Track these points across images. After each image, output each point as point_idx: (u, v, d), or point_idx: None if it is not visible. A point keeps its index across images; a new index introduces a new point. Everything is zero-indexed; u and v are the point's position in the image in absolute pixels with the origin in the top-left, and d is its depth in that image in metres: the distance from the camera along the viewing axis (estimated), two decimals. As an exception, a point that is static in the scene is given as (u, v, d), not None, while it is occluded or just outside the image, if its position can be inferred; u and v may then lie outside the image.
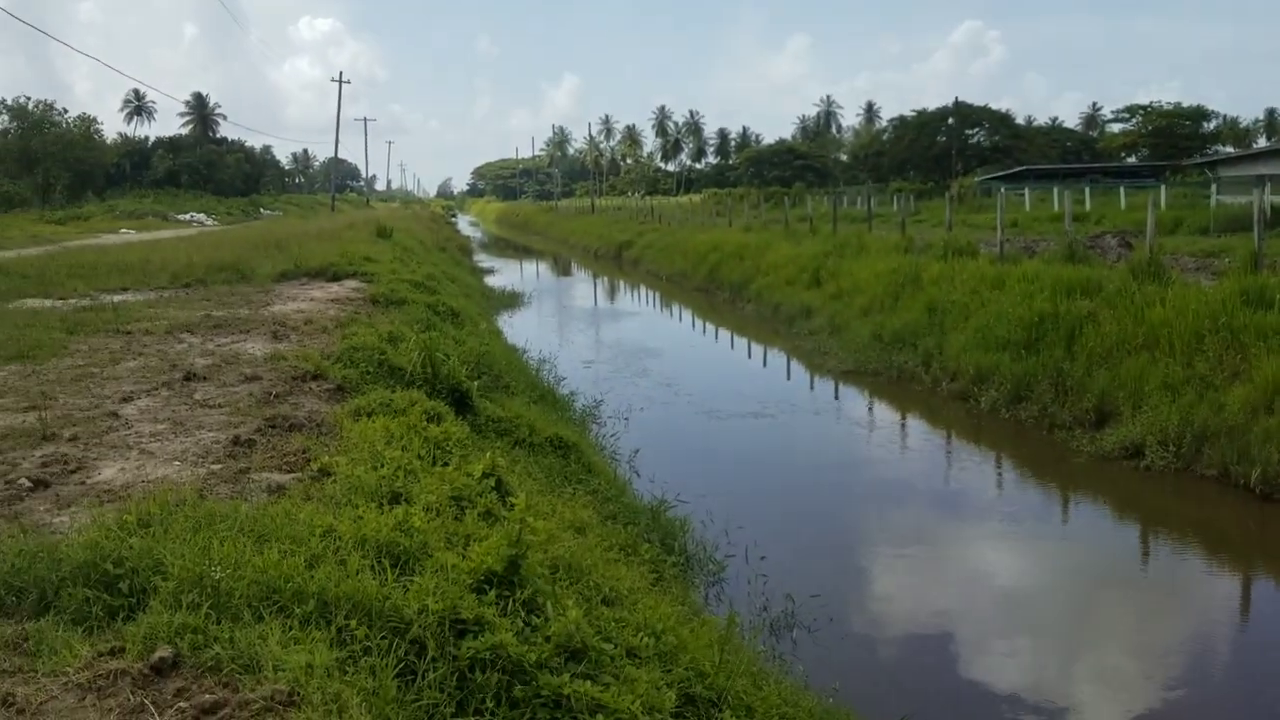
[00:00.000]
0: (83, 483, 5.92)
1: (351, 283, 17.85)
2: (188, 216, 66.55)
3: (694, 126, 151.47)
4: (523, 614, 4.53)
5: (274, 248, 22.42)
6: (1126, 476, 12.00)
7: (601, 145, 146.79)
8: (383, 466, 6.16)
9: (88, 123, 75.49)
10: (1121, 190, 48.08)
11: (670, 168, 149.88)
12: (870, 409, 17.02)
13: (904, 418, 16.18)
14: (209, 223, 62.80)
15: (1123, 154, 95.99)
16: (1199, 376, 12.40)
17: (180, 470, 6.16)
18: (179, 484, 5.64)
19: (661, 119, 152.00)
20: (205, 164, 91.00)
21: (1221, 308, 13.10)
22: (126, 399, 8.08)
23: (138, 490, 5.62)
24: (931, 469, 13.61)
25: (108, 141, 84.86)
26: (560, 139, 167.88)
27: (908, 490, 12.64)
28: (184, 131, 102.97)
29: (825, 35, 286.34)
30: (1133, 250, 20.83)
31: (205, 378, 8.95)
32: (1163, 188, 44.78)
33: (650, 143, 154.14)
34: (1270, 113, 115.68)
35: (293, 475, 6.14)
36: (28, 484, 5.80)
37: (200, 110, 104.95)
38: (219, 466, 6.29)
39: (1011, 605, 9.17)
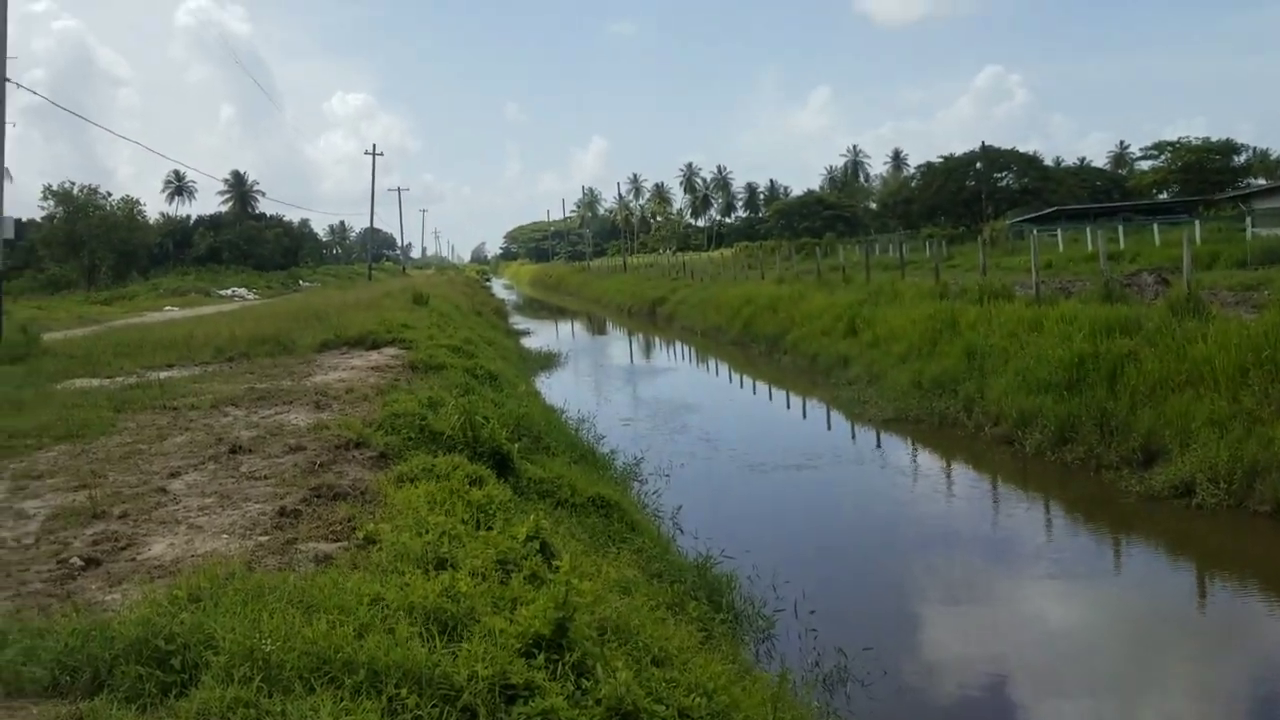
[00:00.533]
0: (133, 559, 5.99)
1: (390, 350, 18.01)
2: (229, 291, 67.68)
3: (722, 182, 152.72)
4: (572, 677, 4.51)
5: (314, 319, 22.71)
6: (1178, 516, 11.79)
7: (631, 204, 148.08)
8: (427, 532, 6.17)
9: (131, 205, 77.21)
10: (1155, 227, 47.79)
11: (700, 223, 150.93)
12: (913, 457, 16.87)
13: (948, 464, 16.01)
14: (250, 297, 63.83)
15: (1154, 191, 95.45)
16: (1246, 411, 12.20)
17: (228, 543, 6.21)
18: (227, 557, 5.69)
19: (689, 176, 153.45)
20: (245, 240, 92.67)
21: (1265, 341, 12.91)
22: (174, 474, 8.18)
23: (187, 565, 5.67)
24: (979, 516, 13.42)
25: (150, 222, 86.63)
26: (590, 200, 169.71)
27: (956, 538, 12.47)
28: (224, 209, 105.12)
29: (846, 87, 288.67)
30: (1170, 287, 20.62)
31: (250, 450, 9.05)
32: (1197, 223, 44.46)
33: (679, 199, 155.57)
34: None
35: (339, 544, 6.18)
36: (79, 563, 5.88)
37: (239, 188, 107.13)
38: (266, 538, 6.34)
39: (1068, 654, 8.98)
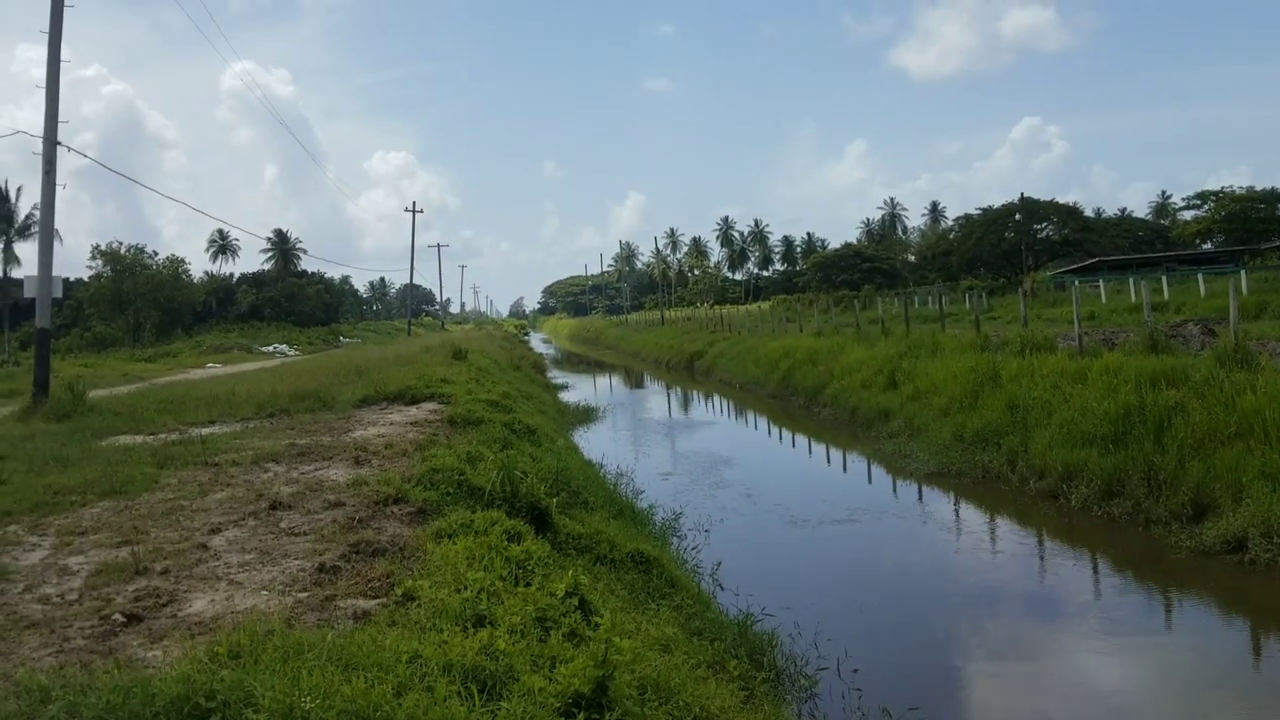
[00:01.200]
0: (174, 615, 6.00)
1: (429, 405, 18.10)
2: (270, 348, 68.57)
3: (759, 235, 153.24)
4: (613, 737, 4.44)
5: (353, 374, 22.91)
6: (1230, 572, 11.50)
7: (668, 258, 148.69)
8: (466, 589, 6.15)
9: (176, 264, 78.89)
10: (1200, 277, 47.22)
11: (737, 277, 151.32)
12: (957, 511, 16.63)
13: (993, 519, 15.76)
14: (291, 353, 64.58)
15: (1197, 241, 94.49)
16: (1299, 464, 11.94)
17: (268, 600, 6.21)
18: (267, 614, 5.69)
19: (726, 229, 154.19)
20: (286, 296, 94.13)
21: (1317, 392, 12.67)
22: (215, 530, 8.22)
23: (227, 621, 5.68)
24: (1025, 572, 13.16)
25: (194, 280, 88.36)
26: (628, 254, 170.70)
27: (1001, 595, 12.23)
28: (266, 266, 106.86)
29: (883, 140, 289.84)
30: (1216, 337, 20.32)
31: (290, 506, 9.08)
32: (1243, 273, 43.89)
33: (716, 253, 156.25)
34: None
35: (378, 601, 6.16)
36: (121, 619, 5.90)
37: (281, 246, 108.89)
38: (305, 595, 6.33)
39: (1119, 715, 8.73)
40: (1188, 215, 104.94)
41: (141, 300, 72.14)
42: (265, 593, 6.40)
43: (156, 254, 77.00)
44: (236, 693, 4.22)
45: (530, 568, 7.30)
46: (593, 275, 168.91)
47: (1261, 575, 11.20)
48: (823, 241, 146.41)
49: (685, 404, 41.58)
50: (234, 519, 8.64)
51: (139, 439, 14.37)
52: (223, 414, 17.23)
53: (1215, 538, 12.04)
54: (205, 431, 14.85)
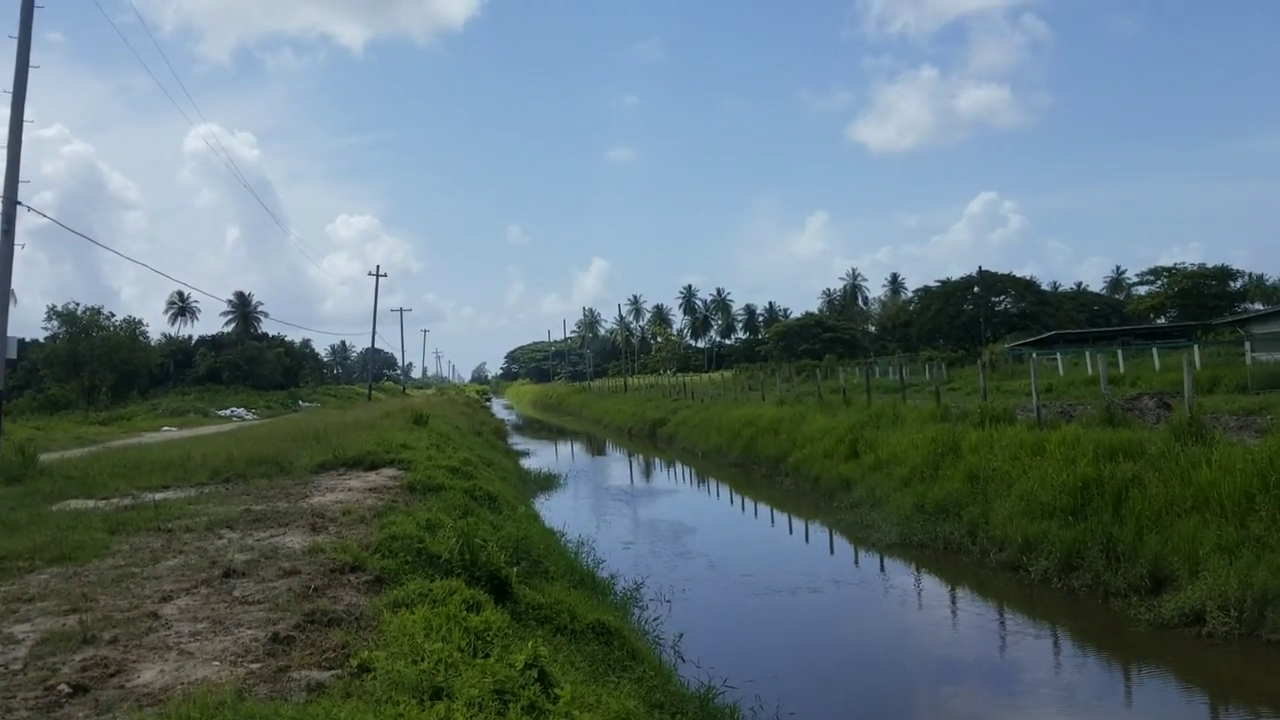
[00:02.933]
0: (122, 686, 5.83)
1: (389, 471, 17.92)
2: (228, 412, 67.79)
3: (721, 303, 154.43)
4: (571, 815, 4.34)
5: (312, 439, 22.66)
6: (1189, 645, 11.55)
7: (631, 325, 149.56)
8: (423, 660, 6.03)
9: (133, 325, 78.10)
10: (1155, 351, 48.05)
11: (700, 344, 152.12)
12: (919, 583, 16.62)
13: (954, 591, 15.76)
14: (249, 417, 63.88)
15: (1151, 315, 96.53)
16: (1254, 537, 12.08)
17: (219, 670, 6.06)
18: (218, 685, 5.55)
19: (689, 297, 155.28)
20: (246, 360, 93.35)
21: (1270, 466, 12.85)
22: (166, 598, 8.04)
23: (177, 693, 5.53)
24: (986, 645, 13.14)
25: (152, 342, 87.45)
26: (591, 320, 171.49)
27: (963, 668, 12.19)
28: (226, 329, 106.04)
29: (843, 212, 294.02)
30: (1172, 411, 20.63)
31: (244, 574, 8.91)
32: (1196, 348, 44.72)
33: (679, 320, 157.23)
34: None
35: (332, 672, 6.03)
36: (67, 689, 5.72)
37: (242, 308, 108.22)
38: (258, 665, 6.19)
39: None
40: (1141, 290, 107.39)
41: (97, 362, 71.23)
42: (217, 663, 6.24)
43: (114, 315, 76.36)
44: (184, 768, 4.10)
45: (489, 638, 7.18)
46: (556, 341, 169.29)
47: (1219, 649, 11.26)
48: (785, 311, 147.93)
49: (647, 472, 41.46)
50: (186, 587, 8.45)
51: (90, 504, 14.09)
52: (177, 479, 16.94)
53: (1173, 611, 12.10)
54: (159, 497, 14.58)
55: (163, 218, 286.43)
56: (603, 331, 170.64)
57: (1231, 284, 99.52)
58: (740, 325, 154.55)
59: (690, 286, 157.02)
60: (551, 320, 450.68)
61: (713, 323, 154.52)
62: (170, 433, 42.61)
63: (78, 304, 73.70)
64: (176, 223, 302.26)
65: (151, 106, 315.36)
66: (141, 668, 6.19)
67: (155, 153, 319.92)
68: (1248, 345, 43.34)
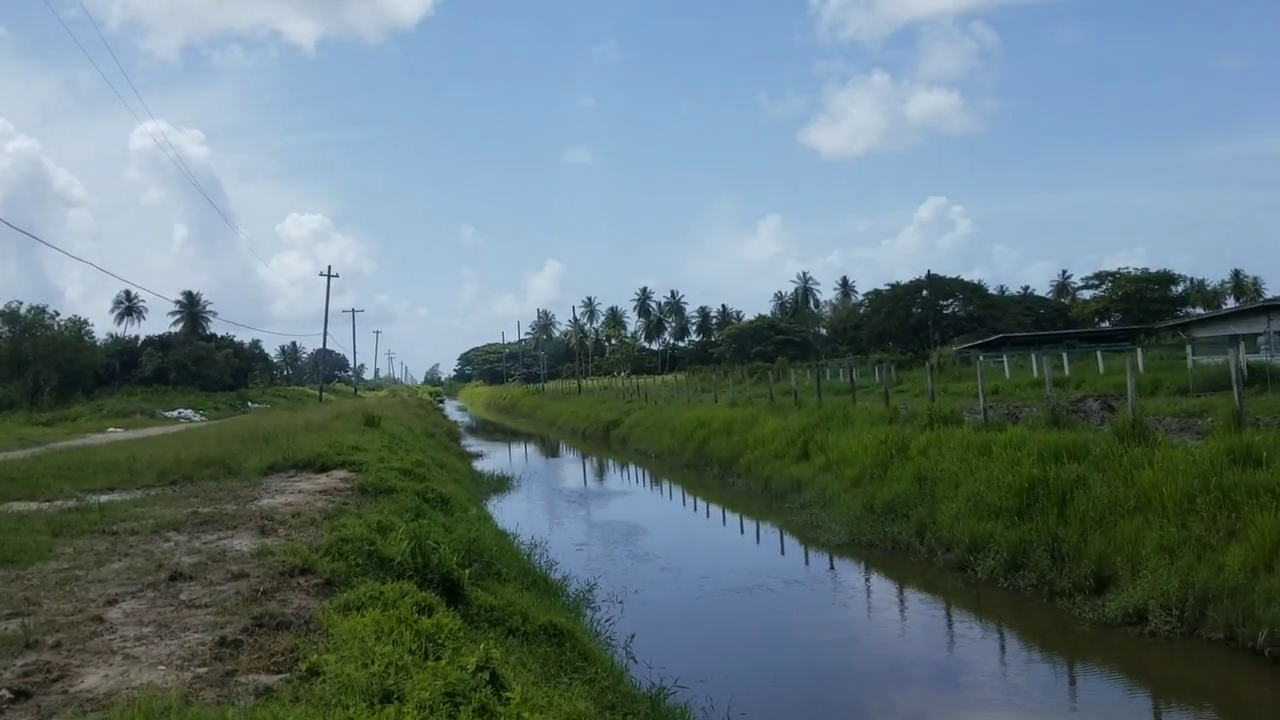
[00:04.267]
0: (65, 692, 5.74)
1: (340, 473, 17.77)
2: (175, 413, 66.76)
3: (676, 306, 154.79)
4: (522, 816, 4.35)
5: (261, 441, 22.40)
6: (1131, 644, 11.78)
7: (586, 327, 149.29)
8: (373, 663, 6.00)
9: (78, 325, 76.73)
10: (1099, 354, 48.90)
11: (654, 346, 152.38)
12: (868, 583, 16.79)
13: (902, 591, 15.93)
14: (196, 418, 62.95)
15: (1095, 319, 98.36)
16: (1195, 537, 12.33)
17: (165, 675, 5.99)
18: (163, 689, 5.48)
19: (644, 300, 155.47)
20: (194, 360, 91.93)
21: (1210, 467, 13.13)
22: (111, 602, 7.92)
23: (122, 698, 5.45)
24: (933, 644, 13.31)
25: (98, 342, 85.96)
26: (545, 322, 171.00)
27: (910, 667, 12.34)
28: (174, 329, 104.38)
29: (796, 215, 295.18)
30: (1115, 413, 21.02)
31: (191, 577, 8.80)
32: (1139, 351, 45.59)
33: (633, 323, 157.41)
34: (1236, 274, 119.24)
35: (281, 676, 5.98)
36: (8, 695, 5.62)
37: (190, 308, 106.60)
38: (205, 669, 6.12)
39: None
40: (1086, 294, 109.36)
41: (41, 362, 69.88)
42: (163, 667, 6.17)
43: (58, 315, 74.97)
44: (129, 774, 4.05)
45: (441, 641, 7.15)
46: (510, 343, 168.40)
47: (1161, 647, 11.49)
48: (738, 313, 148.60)
49: (601, 473, 41.47)
50: (131, 590, 8.33)
51: (33, 506, 13.83)
52: (123, 481, 16.68)
53: (1117, 610, 12.33)
54: (104, 499, 14.35)
55: (109, 216, 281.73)
56: (557, 333, 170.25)
57: (1173, 288, 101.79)
58: (694, 328, 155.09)
59: (645, 289, 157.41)
60: (505, 322, 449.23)
61: (667, 325, 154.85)
62: (116, 434, 41.89)
63: (21, 303, 72.33)
64: (123, 221, 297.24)
65: (98, 103, 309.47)
66: (85, 672, 6.10)
67: (101, 150, 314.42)
68: (1189, 349, 44.29)
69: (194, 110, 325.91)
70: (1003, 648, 12.89)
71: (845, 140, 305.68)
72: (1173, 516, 12.89)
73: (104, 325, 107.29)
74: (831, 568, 17.81)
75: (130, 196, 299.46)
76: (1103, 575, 13.24)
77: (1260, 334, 44.96)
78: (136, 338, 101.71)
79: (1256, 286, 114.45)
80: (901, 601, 15.44)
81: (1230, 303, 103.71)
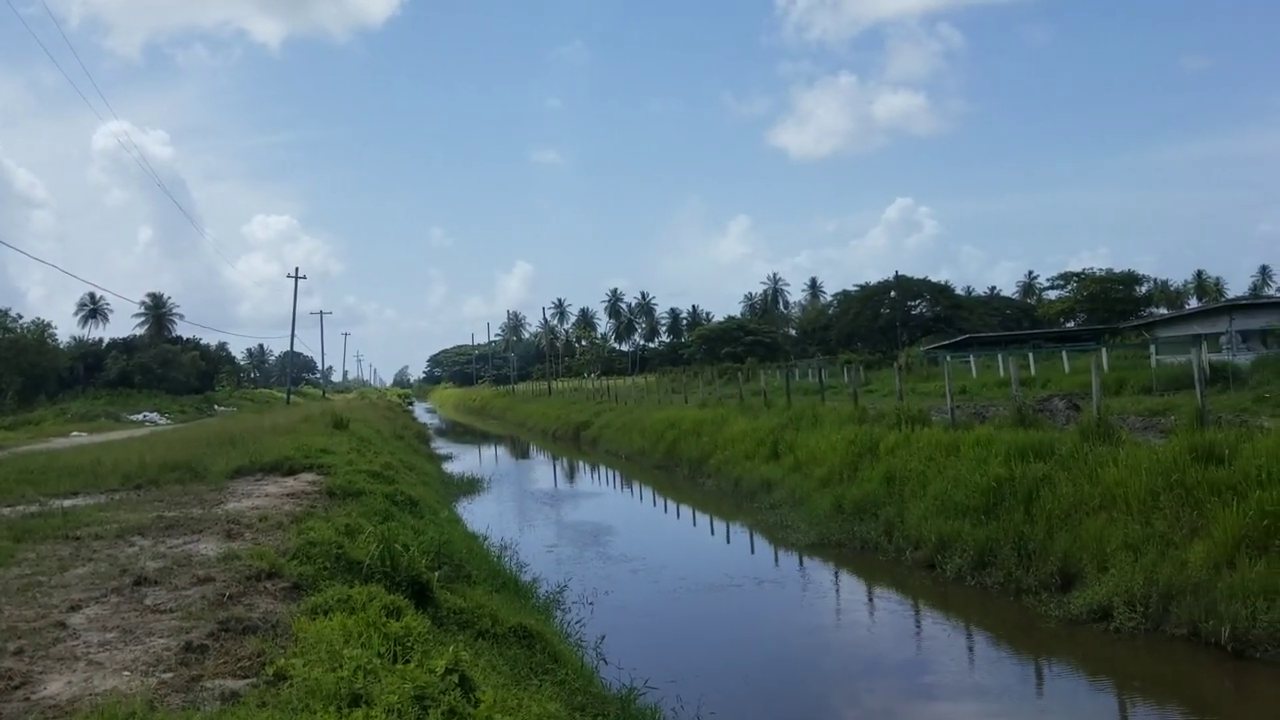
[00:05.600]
0: (27, 699, 5.67)
1: (308, 476, 17.64)
2: (140, 416, 65.99)
3: (646, 307, 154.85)
4: (491, 819, 4.34)
5: (228, 444, 22.20)
6: (1097, 640, 11.90)
7: (556, 328, 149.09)
8: (341, 667, 5.96)
9: (41, 328, 75.81)
10: (1064, 354, 49.40)
11: (624, 348, 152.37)
12: (837, 582, 16.87)
13: (871, 590, 16.02)
14: (162, 422, 62.28)
15: (1061, 319, 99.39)
16: (1159, 535, 12.49)
17: (129, 681, 5.93)
18: (128, 695, 5.43)
19: (614, 301, 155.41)
20: (159, 363, 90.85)
21: (1174, 465, 13.30)
22: (75, 607, 7.83)
23: (85, 704, 5.40)
24: (901, 642, 13.40)
25: (61, 345, 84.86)
26: (515, 324, 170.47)
27: (879, 665, 12.42)
28: (139, 332, 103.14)
29: (765, 216, 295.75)
30: (1080, 412, 21.24)
31: (156, 582, 8.71)
32: (1103, 350, 46.10)
33: (604, 324, 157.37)
34: (1199, 274, 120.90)
35: (247, 681, 5.93)
36: (-32, 704, 5.55)
37: (156, 310, 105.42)
38: (170, 675, 6.06)
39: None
40: (1052, 295, 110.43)
41: (2, 365, 68.92)
42: (127, 673, 6.11)
43: (20, 317, 73.96)
44: (92, 781, 4.00)
45: (410, 644, 7.12)
46: (479, 345, 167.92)
47: (1126, 643, 11.62)
48: (707, 314, 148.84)
49: (571, 475, 41.42)
50: (95, 596, 8.24)
51: (-6, 511, 13.64)
52: (87, 485, 16.48)
53: (1082, 607, 12.46)
54: (67, 503, 14.17)
55: (72, 217, 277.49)
56: (527, 335, 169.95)
57: (1138, 289, 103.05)
58: (664, 329, 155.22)
59: (615, 290, 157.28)
60: (475, 323, 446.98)
61: (637, 326, 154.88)
62: (80, 438, 41.35)
63: (-18, 306, 71.26)
64: (86, 222, 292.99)
65: (60, 102, 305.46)
66: (48, 679, 6.03)
67: (64, 150, 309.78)
68: (1153, 348, 44.82)
69: (158, 110, 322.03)
70: (970, 645, 12.99)
71: (813, 141, 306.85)
72: (1137, 514, 13.04)
73: (67, 328, 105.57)
74: (801, 567, 17.88)
75: (93, 197, 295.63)
76: (1068, 572, 13.37)
77: (1222, 333, 45.62)
78: (101, 340, 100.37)
79: (1219, 287, 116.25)
80: (870, 600, 15.53)
81: (1193, 303, 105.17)
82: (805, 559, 18.25)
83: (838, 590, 16.42)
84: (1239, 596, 10.89)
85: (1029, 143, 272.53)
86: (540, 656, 9.71)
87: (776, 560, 18.67)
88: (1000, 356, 51.15)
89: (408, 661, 6.49)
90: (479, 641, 9.27)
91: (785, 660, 12.72)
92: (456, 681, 6.16)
